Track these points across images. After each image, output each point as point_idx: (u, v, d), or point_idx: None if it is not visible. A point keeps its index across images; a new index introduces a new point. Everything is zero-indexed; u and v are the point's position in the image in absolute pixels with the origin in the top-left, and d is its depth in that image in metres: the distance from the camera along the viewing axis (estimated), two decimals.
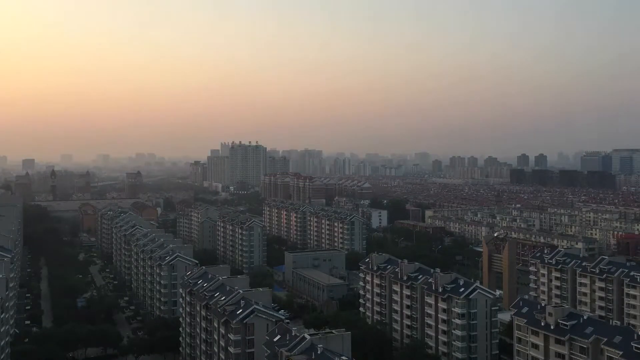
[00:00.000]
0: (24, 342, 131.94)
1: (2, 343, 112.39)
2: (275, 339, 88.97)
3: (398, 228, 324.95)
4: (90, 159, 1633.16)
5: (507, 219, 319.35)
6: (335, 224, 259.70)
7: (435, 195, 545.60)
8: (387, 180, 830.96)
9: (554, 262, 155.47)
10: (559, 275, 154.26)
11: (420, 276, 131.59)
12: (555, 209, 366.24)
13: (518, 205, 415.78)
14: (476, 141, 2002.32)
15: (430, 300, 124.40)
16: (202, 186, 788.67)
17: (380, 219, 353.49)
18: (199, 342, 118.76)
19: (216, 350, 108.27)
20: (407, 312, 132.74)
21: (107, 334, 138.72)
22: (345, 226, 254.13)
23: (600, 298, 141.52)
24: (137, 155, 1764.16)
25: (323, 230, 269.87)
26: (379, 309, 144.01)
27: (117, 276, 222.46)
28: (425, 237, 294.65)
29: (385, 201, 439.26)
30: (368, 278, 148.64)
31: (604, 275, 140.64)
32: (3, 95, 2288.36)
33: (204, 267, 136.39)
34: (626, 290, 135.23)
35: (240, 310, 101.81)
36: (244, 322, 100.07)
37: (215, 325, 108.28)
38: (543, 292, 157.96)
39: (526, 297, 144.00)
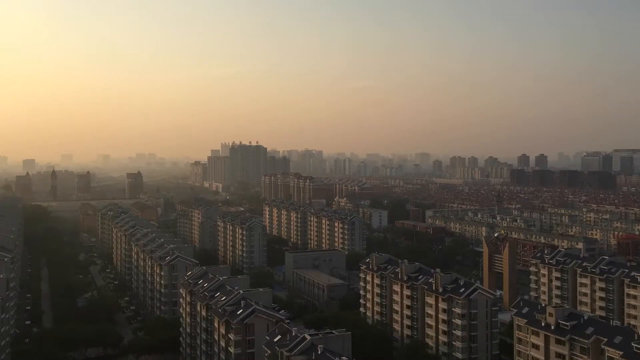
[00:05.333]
0: (25, 342, 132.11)
1: (3, 343, 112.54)
2: (275, 339, 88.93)
3: (398, 228, 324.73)
4: (90, 159, 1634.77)
5: (508, 219, 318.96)
6: (336, 224, 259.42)
7: (436, 196, 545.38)
8: (387, 181, 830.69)
9: (554, 262, 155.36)
10: (559, 276, 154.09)
11: (421, 276, 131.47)
12: (556, 209, 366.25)
13: (518, 206, 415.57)
14: (476, 141, 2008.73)
15: (430, 300, 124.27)
16: (203, 186, 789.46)
17: (380, 219, 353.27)
18: (199, 342, 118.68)
19: (216, 350, 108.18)
20: (407, 312, 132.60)
21: (107, 334, 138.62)
22: (346, 226, 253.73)
23: (601, 298, 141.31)
24: (137, 155, 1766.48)
25: (323, 231, 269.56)
26: (379, 309, 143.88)
27: (118, 276, 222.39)
28: (426, 237, 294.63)
29: (385, 201, 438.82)
30: (368, 278, 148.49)
31: (605, 276, 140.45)
32: (3, 96, 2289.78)
33: (204, 267, 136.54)
34: (626, 290, 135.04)
35: (241, 311, 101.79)
36: (245, 322, 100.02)
37: (216, 325, 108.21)
38: (543, 292, 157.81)
39: (526, 297, 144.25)
